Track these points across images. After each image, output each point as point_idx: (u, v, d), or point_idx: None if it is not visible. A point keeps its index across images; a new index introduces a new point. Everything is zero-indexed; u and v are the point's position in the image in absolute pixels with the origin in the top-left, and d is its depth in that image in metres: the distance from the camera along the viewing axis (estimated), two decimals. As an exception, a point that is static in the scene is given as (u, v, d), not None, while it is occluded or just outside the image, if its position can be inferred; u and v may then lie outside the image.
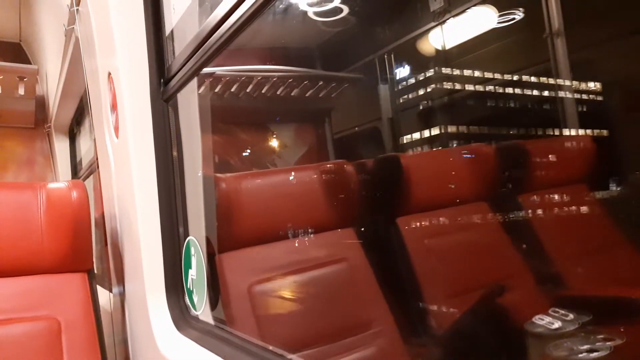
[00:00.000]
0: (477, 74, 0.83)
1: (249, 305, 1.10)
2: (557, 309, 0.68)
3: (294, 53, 1.32)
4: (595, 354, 0.61)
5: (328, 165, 1.27)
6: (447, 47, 0.87)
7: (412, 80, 0.97)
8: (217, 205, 1.16)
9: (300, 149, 1.48)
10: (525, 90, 0.74)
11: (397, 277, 1.05)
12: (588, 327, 0.64)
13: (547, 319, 0.68)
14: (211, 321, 1.07)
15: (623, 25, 0.56)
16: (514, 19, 0.71)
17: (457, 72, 0.85)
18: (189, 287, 1.11)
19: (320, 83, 1.26)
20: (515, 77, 0.75)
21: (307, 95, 1.31)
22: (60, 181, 1.24)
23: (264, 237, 1.17)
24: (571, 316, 0.67)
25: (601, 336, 0.62)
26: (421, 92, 0.94)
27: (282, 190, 1.22)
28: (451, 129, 0.92)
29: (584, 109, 0.65)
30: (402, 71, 1.00)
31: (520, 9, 0.71)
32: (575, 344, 0.63)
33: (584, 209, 0.69)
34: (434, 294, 0.99)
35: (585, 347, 0.62)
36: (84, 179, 2.57)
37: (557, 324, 0.67)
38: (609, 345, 0.60)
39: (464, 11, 0.82)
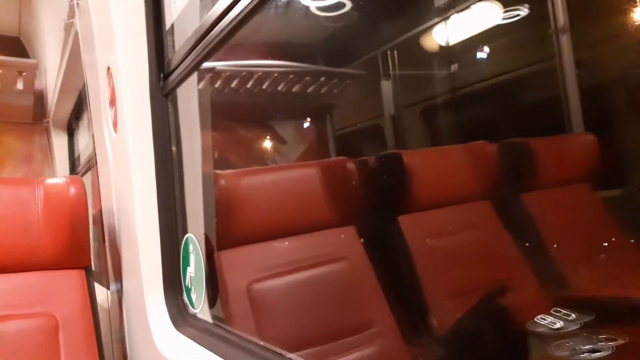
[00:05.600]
0: (482, 71, 0.82)
1: (248, 304, 1.09)
2: (559, 309, 0.67)
3: (295, 48, 1.31)
4: (597, 354, 0.60)
5: (329, 162, 1.26)
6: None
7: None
8: (217, 202, 1.15)
9: (301, 146, 1.47)
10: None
11: (398, 276, 1.04)
12: (590, 327, 0.63)
13: (549, 318, 0.67)
14: (209, 319, 1.07)
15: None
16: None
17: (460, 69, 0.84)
18: (187, 284, 1.10)
19: (322, 79, 1.25)
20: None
21: (308, 91, 1.31)
22: (58, 177, 1.23)
23: (264, 234, 1.16)
24: (573, 316, 0.66)
25: (603, 336, 0.61)
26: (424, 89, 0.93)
27: (283, 188, 1.21)
28: (455, 126, 0.92)
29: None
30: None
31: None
32: (577, 343, 0.63)
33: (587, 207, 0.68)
34: (436, 294, 0.98)
35: (588, 347, 0.62)
36: (82, 175, 2.56)
37: (559, 324, 0.66)
38: (611, 345, 0.60)
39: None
